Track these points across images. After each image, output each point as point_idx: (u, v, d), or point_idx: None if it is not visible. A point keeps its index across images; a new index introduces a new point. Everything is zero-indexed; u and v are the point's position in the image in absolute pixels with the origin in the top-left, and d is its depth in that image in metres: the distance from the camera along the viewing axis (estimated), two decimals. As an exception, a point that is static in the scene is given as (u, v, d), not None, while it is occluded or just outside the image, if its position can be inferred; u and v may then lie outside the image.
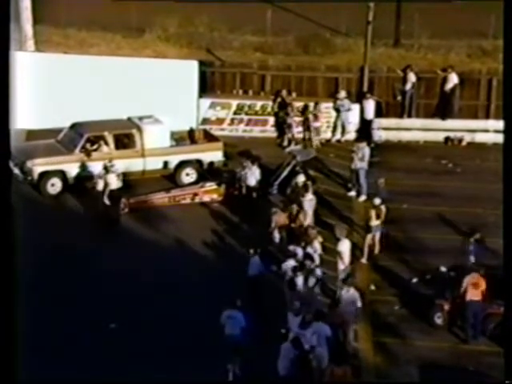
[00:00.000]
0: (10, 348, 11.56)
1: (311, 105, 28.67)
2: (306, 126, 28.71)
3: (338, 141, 29.02)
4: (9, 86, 11.15)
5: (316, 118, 28.60)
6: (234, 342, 17.40)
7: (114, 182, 23.28)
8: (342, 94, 28.92)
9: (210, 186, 24.73)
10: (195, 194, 24.57)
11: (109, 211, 22.95)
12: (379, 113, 29.28)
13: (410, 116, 29.64)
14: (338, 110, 28.91)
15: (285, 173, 24.88)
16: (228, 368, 17.47)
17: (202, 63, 29.28)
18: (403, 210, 23.98)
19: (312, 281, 19.05)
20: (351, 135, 28.86)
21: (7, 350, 11.52)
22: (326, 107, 28.99)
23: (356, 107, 29.10)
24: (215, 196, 24.59)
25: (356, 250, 21.48)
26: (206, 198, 24.55)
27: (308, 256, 19.85)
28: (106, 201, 22.90)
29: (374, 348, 18.45)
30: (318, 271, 19.26)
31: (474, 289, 18.71)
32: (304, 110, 28.70)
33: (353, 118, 29.05)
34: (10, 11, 11.73)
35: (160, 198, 24.25)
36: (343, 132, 29.02)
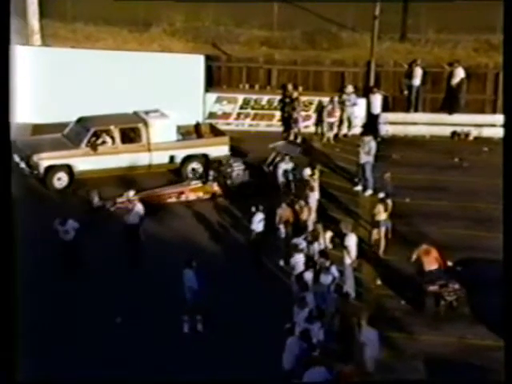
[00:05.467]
0: (9, 347, 11.43)
1: (325, 100, 28.65)
2: (318, 120, 28.76)
3: (345, 135, 29.00)
4: (9, 79, 11.05)
5: (331, 113, 28.56)
6: (191, 299, 18.47)
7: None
8: (350, 88, 28.87)
9: (196, 184, 24.47)
10: (181, 193, 24.20)
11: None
12: (386, 107, 29.25)
13: (416, 110, 29.58)
14: (343, 105, 28.88)
15: (270, 168, 24.79)
16: (184, 319, 18.50)
17: (208, 57, 29.31)
18: (409, 205, 23.94)
19: (328, 279, 19.05)
20: (357, 129, 28.83)
21: (7, 349, 11.39)
22: (340, 102, 28.92)
23: (362, 102, 29.06)
24: (201, 194, 24.33)
25: (362, 244, 21.46)
26: (192, 197, 24.22)
27: (322, 253, 19.91)
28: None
29: (380, 342, 18.39)
30: (334, 269, 19.26)
31: (427, 256, 19.53)
32: (319, 106, 28.68)
33: (359, 113, 29.03)
34: (9, 5, 11.61)
35: (146, 197, 23.29)
36: (349, 126, 28.98)
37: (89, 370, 17.03)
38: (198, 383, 16.89)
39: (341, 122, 28.99)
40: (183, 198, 24.15)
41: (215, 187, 24.45)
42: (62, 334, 18.15)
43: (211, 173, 24.61)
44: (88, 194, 23.53)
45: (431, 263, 19.67)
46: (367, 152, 24.72)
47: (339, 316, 18.27)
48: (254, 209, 21.37)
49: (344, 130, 29.00)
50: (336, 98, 28.66)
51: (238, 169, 24.57)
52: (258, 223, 21.23)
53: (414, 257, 19.82)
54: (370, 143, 24.99)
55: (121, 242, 21.15)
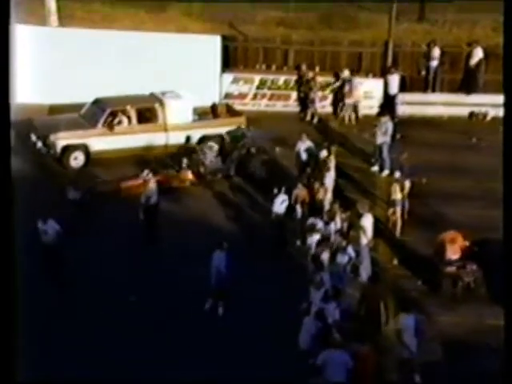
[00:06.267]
0: (9, 348, 11.05)
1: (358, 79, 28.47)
2: (335, 101, 28.59)
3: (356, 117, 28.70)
4: (9, 59, 10.82)
5: (348, 94, 28.28)
6: (219, 281, 18.35)
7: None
8: (346, 73, 28.60)
9: (171, 172, 23.94)
10: (158, 182, 22.65)
11: None
12: (403, 87, 29.06)
13: (434, 91, 29.39)
14: (342, 89, 28.46)
15: (240, 154, 24.49)
16: (209, 301, 18.45)
17: (224, 38, 29.19)
18: (427, 185, 23.80)
19: (344, 259, 19.06)
20: (374, 110, 28.62)
21: (7, 349, 11.02)
22: (360, 83, 28.66)
23: (379, 82, 28.90)
24: (176, 183, 23.78)
25: (379, 224, 21.38)
26: (167, 186, 23.30)
27: (338, 233, 19.93)
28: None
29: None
30: (350, 250, 19.26)
31: (452, 244, 19.24)
32: (341, 86, 28.43)
33: (377, 93, 28.83)
34: None
35: (128, 186, 22.91)
36: (355, 110, 28.44)
37: (89, 370, 16.58)
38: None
39: (343, 105, 28.61)
40: (160, 187, 22.61)
41: (189, 175, 24.05)
42: (63, 334, 17.64)
43: (184, 161, 24.15)
44: (64, 186, 22.52)
45: (455, 252, 19.54)
46: (384, 132, 24.60)
47: (362, 298, 18.23)
48: (276, 190, 21.26)
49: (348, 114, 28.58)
50: (356, 79, 28.41)
51: (210, 156, 24.31)
52: (279, 205, 21.15)
53: (438, 241, 19.68)
54: (387, 124, 24.86)
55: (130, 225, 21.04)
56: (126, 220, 21.43)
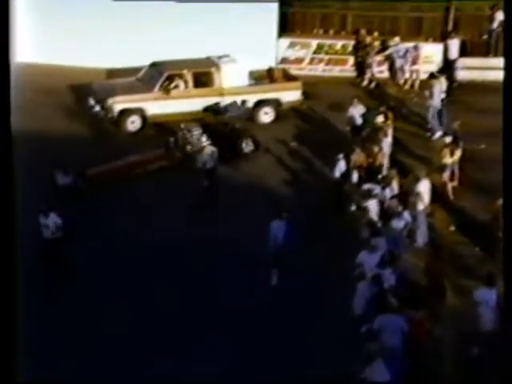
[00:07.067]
0: (10, 348, 10.76)
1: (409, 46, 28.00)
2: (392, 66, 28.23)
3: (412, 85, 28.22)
4: (9, 20, 10.78)
5: (415, 61, 27.86)
6: (278, 249, 18.12)
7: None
8: (396, 39, 28.06)
9: (159, 153, 23.29)
10: (147, 162, 22.86)
11: None
12: (464, 52, 28.52)
13: (495, 55, 28.82)
14: (390, 58, 28.03)
15: (224, 132, 23.92)
16: (273, 272, 18.21)
17: (282, 3, 28.95)
18: (484, 151, 23.36)
19: (400, 224, 18.87)
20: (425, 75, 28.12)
21: (7, 349, 10.74)
22: (420, 47, 28.18)
23: (439, 47, 28.36)
24: (164, 162, 23.01)
25: (436, 190, 21.10)
26: (156, 166, 22.87)
27: (394, 199, 19.78)
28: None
29: (454, 290, 18.11)
30: (406, 215, 19.05)
31: None
32: (405, 53, 27.99)
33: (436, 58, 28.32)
34: None
35: (119, 168, 22.46)
36: (402, 76, 27.94)
37: (90, 370, 16.12)
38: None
39: (393, 73, 28.17)
40: (149, 167, 22.66)
41: (178, 154, 23.36)
42: (64, 334, 17.05)
43: (171, 140, 23.52)
44: (52, 170, 21.11)
45: None
46: (432, 95, 24.27)
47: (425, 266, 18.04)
48: (341, 155, 21.13)
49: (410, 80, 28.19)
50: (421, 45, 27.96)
51: (196, 133, 23.72)
52: (340, 170, 21.08)
53: (496, 207, 19.36)
54: (435, 87, 24.45)
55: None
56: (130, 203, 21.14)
